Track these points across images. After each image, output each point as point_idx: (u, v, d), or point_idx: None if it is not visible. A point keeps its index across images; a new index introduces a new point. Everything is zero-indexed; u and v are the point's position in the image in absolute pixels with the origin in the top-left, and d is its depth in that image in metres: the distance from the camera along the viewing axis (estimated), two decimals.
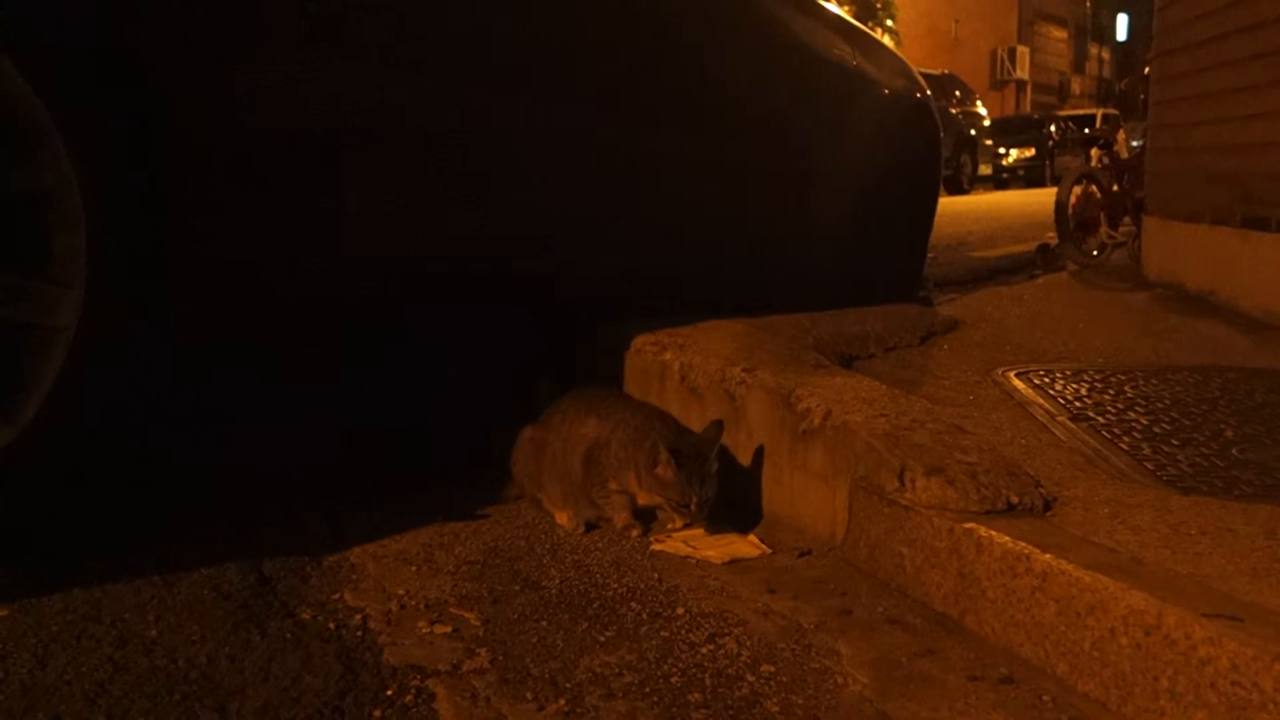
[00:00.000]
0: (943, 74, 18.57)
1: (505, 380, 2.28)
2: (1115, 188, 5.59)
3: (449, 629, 1.38)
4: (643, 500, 1.75)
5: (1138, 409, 2.12)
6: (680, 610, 1.47)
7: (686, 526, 1.76)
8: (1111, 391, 2.27)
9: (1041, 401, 2.16)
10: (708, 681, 1.26)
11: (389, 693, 1.20)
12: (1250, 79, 3.53)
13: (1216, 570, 1.28)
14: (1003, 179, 20.64)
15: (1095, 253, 5.54)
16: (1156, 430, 1.97)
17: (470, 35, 2.05)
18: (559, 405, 1.89)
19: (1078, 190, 5.72)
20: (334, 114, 1.80)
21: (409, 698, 1.19)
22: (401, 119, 1.93)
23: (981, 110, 19.44)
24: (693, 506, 1.70)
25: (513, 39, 2.15)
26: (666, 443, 1.69)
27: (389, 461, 2.14)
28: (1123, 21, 47.71)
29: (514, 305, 2.38)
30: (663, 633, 1.39)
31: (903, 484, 1.53)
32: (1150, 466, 1.75)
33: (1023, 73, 36.23)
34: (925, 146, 3.97)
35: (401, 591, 1.49)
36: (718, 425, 1.78)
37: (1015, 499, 1.48)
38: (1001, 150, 20.42)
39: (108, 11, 1.47)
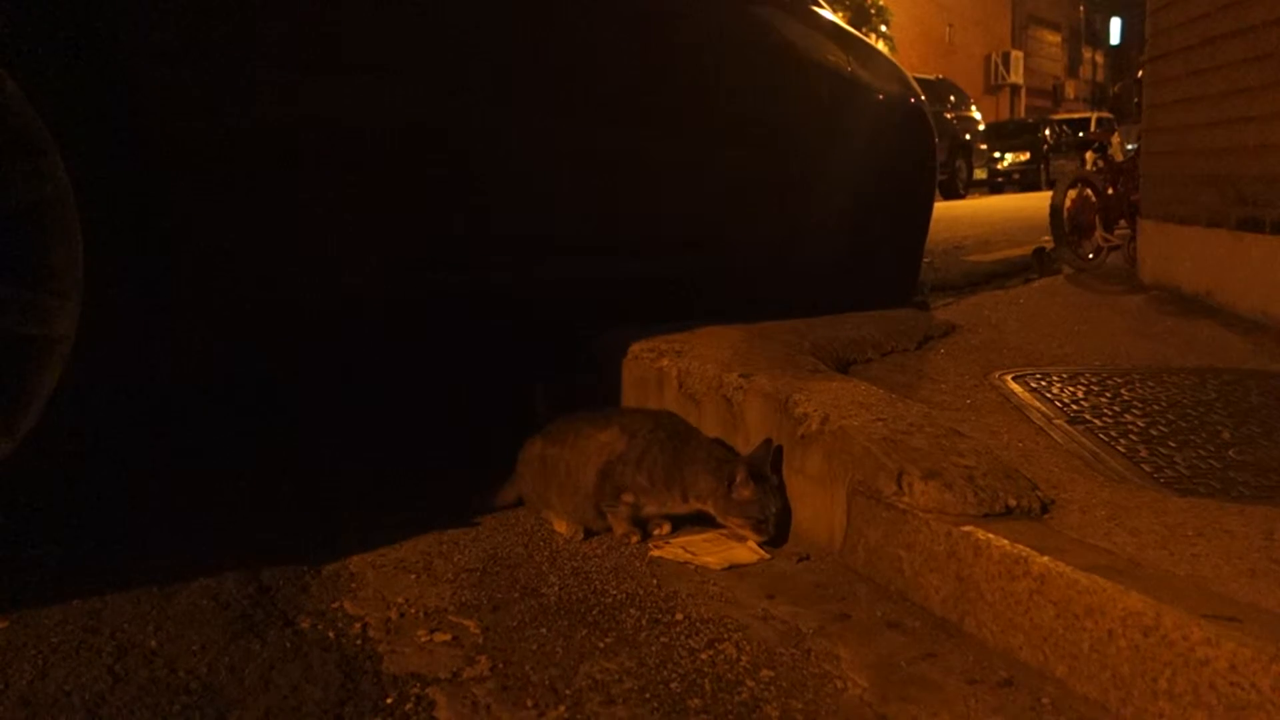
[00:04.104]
0: (937, 79, 18.62)
1: (503, 386, 2.28)
2: (1110, 191, 5.59)
3: (448, 637, 1.38)
4: (695, 507, 1.75)
5: (1134, 411, 2.13)
6: (679, 616, 1.47)
7: (764, 543, 1.72)
8: (1108, 394, 2.28)
9: (1038, 405, 2.16)
10: (707, 687, 1.26)
11: (389, 701, 1.20)
12: (1243, 82, 3.54)
13: (1214, 571, 1.28)
14: (998, 183, 20.71)
15: (1091, 256, 5.55)
16: (1153, 432, 1.98)
17: (465, 45, 2.06)
18: (570, 421, 1.87)
19: (1073, 194, 5.72)
20: (331, 122, 1.81)
21: (409, 706, 1.19)
22: (398, 124, 1.94)
23: (976, 115, 19.47)
24: (770, 523, 1.71)
25: (514, 51, 2.16)
26: (743, 464, 1.70)
27: (388, 467, 2.13)
28: (1116, 25, 47.87)
29: (512, 311, 2.38)
30: (662, 638, 1.39)
31: (900, 488, 1.54)
32: (1147, 469, 1.75)
33: (1017, 77, 36.33)
34: (920, 151, 3.98)
35: (401, 600, 1.49)
36: (766, 444, 1.77)
37: (1013, 502, 1.48)
38: (996, 154, 20.49)
39: (104, 24, 1.48)
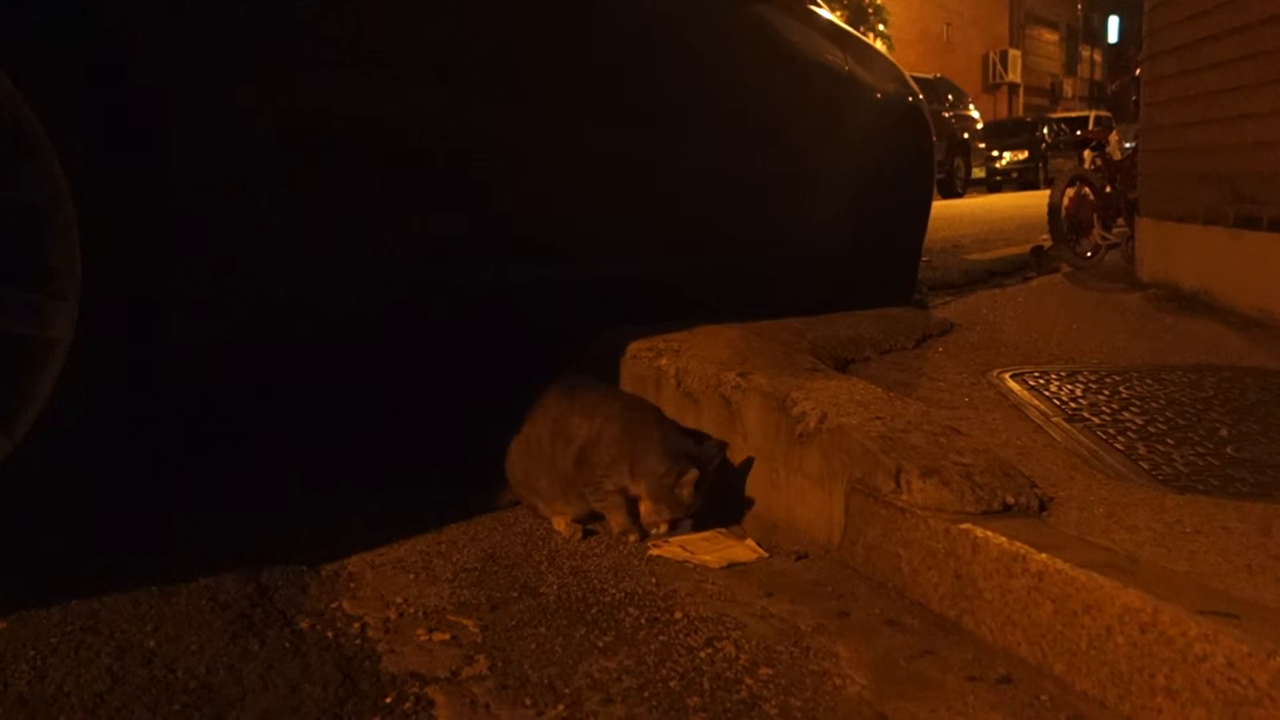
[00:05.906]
0: (935, 78, 18.61)
1: (502, 385, 2.28)
2: (1108, 189, 5.60)
3: (447, 636, 1.38)
4: (634, 491, 1.77)
5: (1133, 409, 2.13)
6: (678, 614, 1.47)
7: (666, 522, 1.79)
8: (1106, 392, 2.28)
9: (1036, 403, 2.17)
10: (706, 685, 1.26)
11: (388, 700, 1.20)
12: (1240, 79, 3.54)
13: (1212, 568, 1.29)
14: (996, 182, 20.74)
15: (1089, 254, 5.56)
16: (1151, 430, 1.98)
17: (458, 48, 2.06)
18: (541, 400, 1.89)
19: (1071, 192, 5.73)
20: (328, 124, 1.81)
21: (408, 705, 1.19)
22: (391, 127, 1.93)
23: (974, 113, 19.47)
24: (681, 515, 1.77)
25: (510, 52, 2.16)
26: (673, 453, 1.73)
27: (386, 467, 2.13)
28: (1114, 23, 47.93)
29: (510, 311, 2.38)
30: (661, 637, 1.39)
31: (899, 486, 1.54)
32: (1145, 466, 1.76)
33: (1015, 76, 36.35)
34: (918, 150, 3.98)
35: (400, 599, 1.49)
36: (720, 446, 1.83)
37: (1011, 499, 1.49)
38: (994, 153, 20.52)
39: (103, 24, 1.48)
